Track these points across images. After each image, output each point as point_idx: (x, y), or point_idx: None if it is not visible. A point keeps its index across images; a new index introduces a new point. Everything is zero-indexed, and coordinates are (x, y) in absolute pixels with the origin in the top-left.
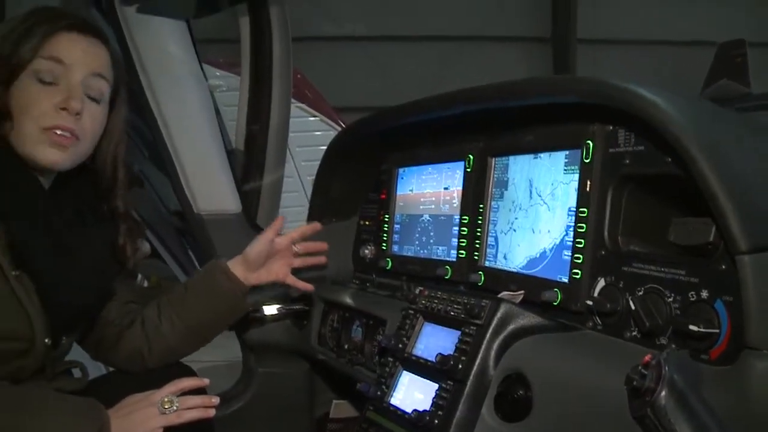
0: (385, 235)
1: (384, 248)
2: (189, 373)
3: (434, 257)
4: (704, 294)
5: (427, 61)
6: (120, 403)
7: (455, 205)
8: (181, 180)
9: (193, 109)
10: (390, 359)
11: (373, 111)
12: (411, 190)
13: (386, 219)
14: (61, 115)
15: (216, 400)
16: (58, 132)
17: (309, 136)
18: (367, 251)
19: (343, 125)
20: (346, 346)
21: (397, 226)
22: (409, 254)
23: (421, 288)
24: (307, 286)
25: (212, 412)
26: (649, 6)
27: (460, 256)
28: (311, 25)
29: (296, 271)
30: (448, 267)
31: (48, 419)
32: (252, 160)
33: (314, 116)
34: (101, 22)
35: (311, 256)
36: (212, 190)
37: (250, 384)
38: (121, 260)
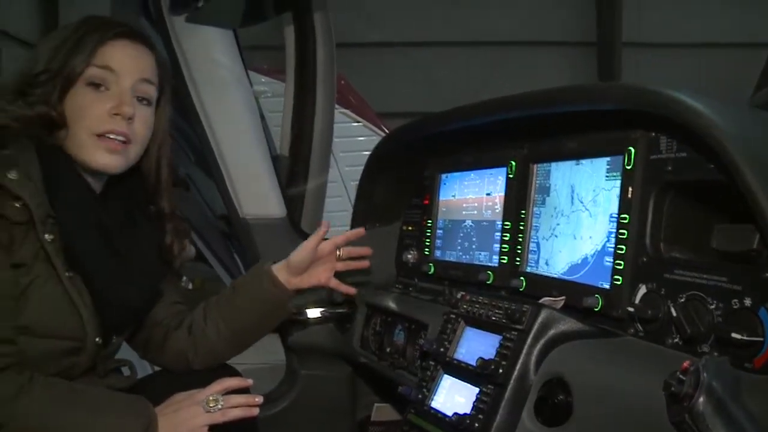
0: (427, 240)
1: (427, 253)
2: (233, 373)
3: (476, 262)
4: (747, 302)
5: (471, 67)
6: (167, 401)
7: (497, 210)
8: (227, 185)
9: (239, 115)
10: (431, 363)
11: (416, 117)
12: (453, 196)
13: (429, 224)
14: (114, 120)
15: (260, 399)
16: (112, 137)
17: (352, 142)
18: (410, 256)
19: (387, 131)
20: (388, 350)
21: (439, 232)
22: (452, 259)
23: (463, 293)
24: (350, 290)
25: (256, 411)
26: (696, 7)
27: (502, 261)
28: (355, 31)
29: (340, 275)
30: (489, 272)
31: (99, 414)
32: (296, 166)
33: (358, 122)
34: (150, 30)
35: (354, 261)
36: (257, 194)
37: (293, 386)
38: (169, 260)
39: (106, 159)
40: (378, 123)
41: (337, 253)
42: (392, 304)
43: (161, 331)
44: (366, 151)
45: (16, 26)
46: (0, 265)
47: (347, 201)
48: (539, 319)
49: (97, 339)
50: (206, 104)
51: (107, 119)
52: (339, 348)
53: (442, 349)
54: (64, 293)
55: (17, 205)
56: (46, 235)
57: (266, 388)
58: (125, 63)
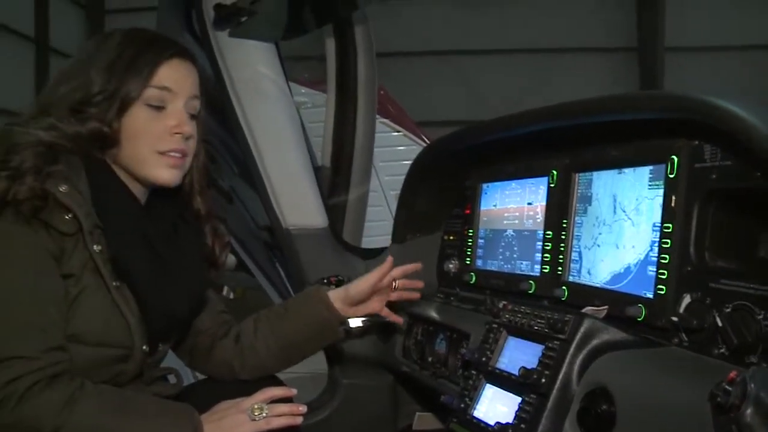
0: (469, 249)
1: (468, 263)
2: (277, 382)
3: (518, 272)
4: None
5: (511, 75)
6: (212, 409)
7: (539, 220)
8: (270, 196)
9: (282, 127)
10: (474, 372)
11: (456, 125)
12: (495, 206)
13: (470, 234)
14: (174, 139)
15: (303, 408)
16: (173, 154)
17: (392, 151)
18: (451, 265)
19: (426, 140)
20: (430, 359)
21: (481, 241)
22: (493, 269)
23: (505, 302)
24: (398, 320)
25: (299, 420)
26: (741, 8)
27: (544, 270)
28: (395, 40)
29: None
30: (531, 282)
31: (147, 422)
32: (338, 176)
33: (397, 131)
34: (192, 45)
35: (407, 291)
36: (300, 205)
37: (335, 395)
38: (212, 261)
39: (167, 174)
40: (417, 132)
41: (393, 284)
42: (434, 314)
43: (207, 339)
44: (406, 160)
45: (64, 42)
46: (51, 276)
47: (387, 211)
48: (582, 329)
49: (143, 347)
50: (249, 116)
51: (168, 138)
52: (381, 357)
53: (484, 359)
54: (112, 302)
55: (67, 216)
56: (95, 246)
57: (308, 397)
58: (180, 82)
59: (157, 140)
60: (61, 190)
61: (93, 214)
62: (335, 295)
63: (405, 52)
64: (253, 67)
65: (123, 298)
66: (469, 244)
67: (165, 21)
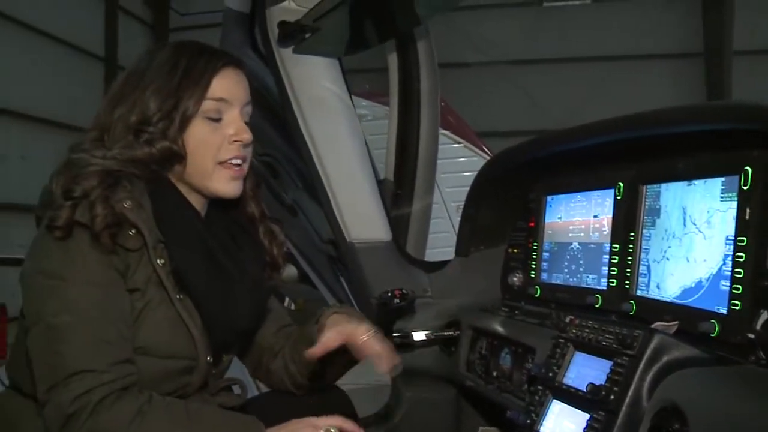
0: (533, 262)
1: (533, 276)
2: (344, 398)
3: (584, 285)
4: None
5: (572, 84)
6: (282, 425)
7: (605, 233)
8: (334, 210)
9: (346, 141)
10: (540, 388)
11: (516, 136)
12: (560, 218)
13: (535, 247)
14: (234, 147)
15: None
16: (234, 162)
17: (453, 163)
18: (515, 279)
19: (487, 150)
20: (494, 374)
21: (545, 254)
22: (558, 282)
23: (572, 317)
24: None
25: None
26: None
27: (611, 284)
28: (454, 51)
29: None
30: (598, 295)
31: None
32: (401, 189)
33: (458, 143)
34: (254, 61)
35: None
36: (364, 219)
37: (397, 408)
38: (271, 263)
39: (230, 187)
40: (478, 143)
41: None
42: (498, 328)
43: (268, 354)
44: (466, 172)
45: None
46: (119, 291)
47: (449, 222)
48: (652, 345)
49: (208, 358)
50: (313, 131)
51: (228, 147)
52: (444, 371)
53: (550, 374)
54: (176, 315)
55: (131, 233)
56: (158, 260)
57: (371, 410)
58: (233, 91)
59: (217, 151)
60: (126, 206)
61: (155, 229)
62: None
63: (464, 63)
64: (317, 82)
65: (186, 310)
66: (534, 257)
67: (229, 38)
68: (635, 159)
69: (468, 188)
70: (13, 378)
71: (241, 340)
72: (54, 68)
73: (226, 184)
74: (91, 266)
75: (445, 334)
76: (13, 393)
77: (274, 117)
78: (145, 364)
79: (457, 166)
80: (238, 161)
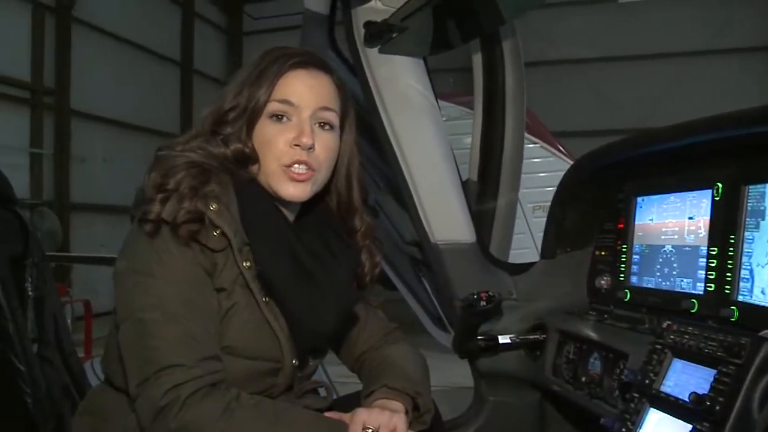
0: (622, 265)
1: (622, 279)
2: None
3: (678, 290)
4: None
5: (647, 81)
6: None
7: (702, 235)
8: (418, 211)
9: (431, 141)
10: (635, 395)
11: (587, 136)
12: (651, 220)
13: (624, 249)
14: (296, 151)
15: None
16: (296, 167)
17: (529, 163)
18: (603, 282)
19: (562, 150)
20: (583, 379)
21: (635, 257)
22: (650, 286)
23: (669, 322)
24: None
25: None
26: None
27: (708, 289)
28: (528, 50)
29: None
30: (694, 300)
31: None
32: (485, 190)
33: (534, 143)
34: (336, 63)
35: None
36: (448, 220)
37: (480, 411)
38: (361, 279)
39: (292, 189)
40: (554, 143)
41: None
42: (587, 332)
43: (359, 362)
44: (543, 172)
45: (206, 64)
46: (206, 289)
47: (524, 223)
48: (761, 354)
49: (293, 361)
50: (398, 131)
51: (290, 150)
52: (529, 375)
53: (647, 381)
54: (262, 317)
55: (215, 233)
56: (244, 263)
57: (452, 413)
58: (303, 94)
59: (280, 153)
60: (212, 209)
61: (241, 232)
62: None
63: (539, 61)
64: (402, 82)
65: (272, 313)
66: (623, 259)
67: (308, 40)
68: (735, 158)
69: (543, 189)
70: (107, 372)
71: (326, 345)
72: (133, 73)
73: (288, 186)
74: (178, 263)
75: (531, 337)
76: (107, 387)
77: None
78: (232, 363)
79: (533, 166)
80: (301, 167)
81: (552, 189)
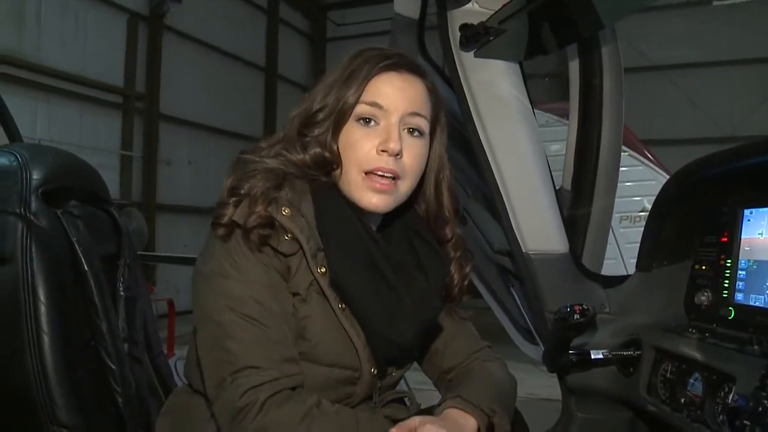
0: (726, 281)
1: (725, 296)
2: (517, 415)
3: None
4: None
5: (741, 88)
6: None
7: None
8: (510, 220)
9: (526, 149)
10: (746, 423)
11: (678, 144)
12: (760, 234)
13: (728, 264)
14: (381, 158)
15: None
16: (379, 174)
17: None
18: (703, 298)
19: (652, 159)
20: (682, 400)
21: (741, 273)
22: (758, 304)
23: None
24: None
25: None
26: None
27: None
28: None
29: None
30: None
31: None
32: (579, 199)
33: (623, 151)
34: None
35: None
36: (541, 230)
37: (568, 428)
38: (449, 290)
39: (373, 199)
40: (643, 151)
41: None
42: (688, 350)
43: (444, 378)
44: (630, 181)
45: (290, 69)
46: (281, 292)
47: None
48: None
49: (372, 369)
50: (492, 138)
51: (375, 156)
52: (621, 392)
53: (760, 409)
54: (339, 325)
55: (287, 237)
56: (319, 269)
57: (541, 427)
58: (393, 98)
59: (363, 158)
60: (284, 213)
61: (316, 237)
62: None
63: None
64: (499, 87)
65: (348, 320)
66: (727, 275)
67: (397, 45)
68: None
69: (630, 198)
70: (188, 377)
71: (406, 356)
72: (219, 78)
73: (369, 195)
74: (252, 266)
75: (625, 353)
76: (189, 390)
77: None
78: (309, 370)
79: (620, 175)
80: (386, 174)
81: (639, 198)
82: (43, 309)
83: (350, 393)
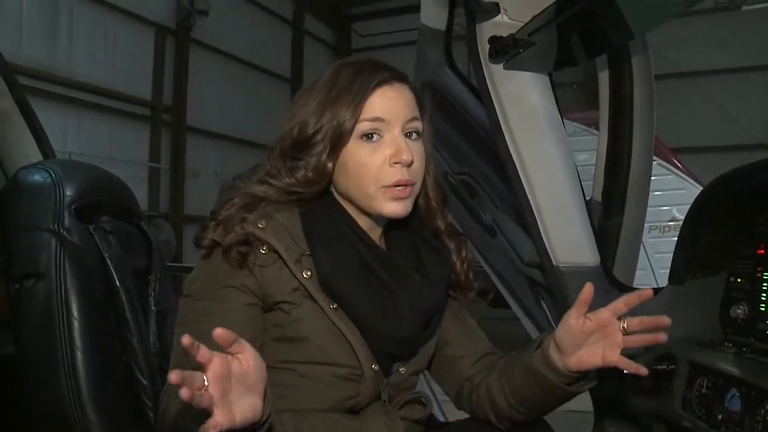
0: (763, 294)
1: (762, 309)
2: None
3: None
4: None
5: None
6: None
7: None
8: (540, 232)
9: (556, 160)
10: None
11: (707, 152)
12: None
13: (765, 277)
14: (395, 170)
15: None
16: (398, 187)
17: None
18: (739, 311)
19: (682, 168)
20: (719, 417)
21: None
22: None
23: None
24: (641, 371)
25: None
26: None
27: None
28: None
29: None
30: None
31: None
32: (610, 211)
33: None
34: (451, 79)
35: (646, 333)
36: (571, 242)
37: None
38: (457, 279)
39: (394, 207)
40: (671, 159)
41: (622, 325)
42: (725, 365)
43: (469, 385)
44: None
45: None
46: (245, 314)
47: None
48: None
49: (373, 366)
50: (522, 150)
51: (390, 170)
52: (654, 407)
53: None
54: (331, 324)
55: (263, 250)
56: (303, 273)
57: None
58: (391, 109)
59: (379, 174)
60: (259, 226)
61: (299, 243)
62: (552, 346)
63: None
64: (529, 99)
65: (342, 320)
66: (764, 288)
67: (424, 56)
68: None
69: (659, 208)
70: None
71: (408, 351)
72: (245, 90)
73: (391, 205)
74: (222, 285)
75: (659, 367)
76: None
77: (472, 135)
78: (310, 370)
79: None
80: (403, 186)
81: (668, 208)
82: (76, 324)
83: (356, 391)
